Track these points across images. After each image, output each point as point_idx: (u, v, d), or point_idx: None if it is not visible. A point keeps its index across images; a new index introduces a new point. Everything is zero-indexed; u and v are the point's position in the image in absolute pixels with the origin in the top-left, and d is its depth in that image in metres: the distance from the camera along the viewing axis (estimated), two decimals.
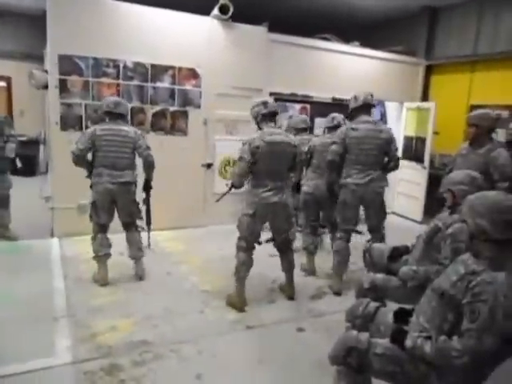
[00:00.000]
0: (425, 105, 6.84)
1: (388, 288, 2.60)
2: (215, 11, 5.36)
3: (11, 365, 2.47)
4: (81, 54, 4.80)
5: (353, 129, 3.66)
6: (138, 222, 3.85)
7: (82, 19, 4.73)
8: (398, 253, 2.81)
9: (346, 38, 6.70)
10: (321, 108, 6.44)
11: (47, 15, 4.65)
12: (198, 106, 5.47)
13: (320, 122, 6.46)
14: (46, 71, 4.99)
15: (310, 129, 5.09)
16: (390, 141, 3.70)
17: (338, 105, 6.50)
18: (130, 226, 3.79)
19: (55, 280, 3.69)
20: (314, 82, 6.21)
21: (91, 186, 3.64)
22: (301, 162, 4.09)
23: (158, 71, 5.22)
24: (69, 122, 4.81)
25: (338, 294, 3.75)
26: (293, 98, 6.25)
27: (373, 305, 2.26)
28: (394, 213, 7.23)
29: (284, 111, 6.24)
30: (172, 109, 5.34)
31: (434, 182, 5.79)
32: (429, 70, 7.23)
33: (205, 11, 5.37)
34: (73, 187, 4.47)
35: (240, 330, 3.07)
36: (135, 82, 5.12)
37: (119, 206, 3.69)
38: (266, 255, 3.90)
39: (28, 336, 2.77)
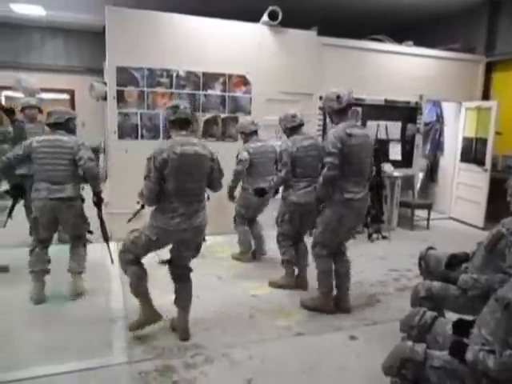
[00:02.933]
0: (486, 104, 6.47)
1: (446, 297, 2.47)
2: (265, 17, 5.41)
3: (72, 362, 2.60)
4: (136, 65, 5.03)
5: (350, 135, 3.12)
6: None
7: (137, 33, 4.96)
8: (456, 260, 2.66)
9: (399, 38, 6.50)
10: (373, 111, 6.29)
11: (106, 31, 4.92)
12: (249, 112, 5.53)
13: (371, 125, 6.32)
14: (105, 83, 5.27)
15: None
16: (373, 147, 3.39)
17: (390, 107, 6.34)
18: (75, 240, 3.55)
19: (112, 283, 3.85)
20: (366, 85, 6.08)
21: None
22: (237, 173, 4.21)
23: (209, 79, 5.34)
24: (125, 130, 5.04)
25: (332, 313, 3.40)
26: None
27: (429, 314, 2.15)
28: (451, 218, 6.90)
29: None
30: (223, 115, 5.44)
31: (496, 185, 5.45)
32: (489, 67, 6.83)
33: (254, 18, 5.43)
34: (129, 193, 4.64)
35: (290, 337, 3.04)
36: (187, 91, 5.27)
37: (61, 221, 3.43)
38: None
39: (87, 335, 2.90)
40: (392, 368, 1.86)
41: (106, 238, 3.69)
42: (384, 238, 5.66)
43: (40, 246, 3.42)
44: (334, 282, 3.45)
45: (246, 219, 4.55)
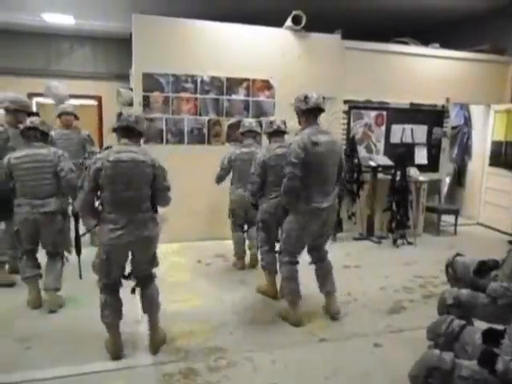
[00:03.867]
0: None
1: (475, 305, 2.41)
2: (288, 22, 5.43)
3: (98, 362, 2.66)
4: (162, 71, 5.12)
5: (315, 143, 3.01)
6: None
7: (162, 39, 5.06)
8: (485, 267, 2.60)
9: (425, 40, 6.41)
10: (398, 114, 6.21)
11: (133, 38, 5.04)
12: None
13: (396, 129, 6.24)
14: (131, 89, 5.38)
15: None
16: (341, 154, 3.27)
17: (416, 110, 6.25)
18: (52, 256, 3.48)
19: None
20: (391, 88, 6.02)
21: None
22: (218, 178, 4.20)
23: (233, 84, 5.38)
24: (151, 135, 5.12)
25: (297, 325, 3.22)
26: (368, 105, 6.09)
27: (457, 323, 2.10)
28: (479, 224, 6.73)
29: (359, 119, 6.10)
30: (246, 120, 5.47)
31: None
32: None
33: (278, 23, 5.46)
34: None
35: (314, 342, 3.02)
36: (211, 96, 5.33)
37: (42, 235, 3.39)
38: (340, 266, 3.81)
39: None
40: (419, 377, 1.82)
41: (79, 253, 3.43)
42: (409, 243, 5.56)
43: (27, 255, 3.43)
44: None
45: (240, 225, 4.46)
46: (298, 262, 3.31)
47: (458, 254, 2.93)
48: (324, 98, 3.21)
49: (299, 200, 3.08)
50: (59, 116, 5.02)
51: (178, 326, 3.11)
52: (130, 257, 2.73)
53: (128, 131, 2.65)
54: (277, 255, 3.51)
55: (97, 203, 2.65)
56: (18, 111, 3.91)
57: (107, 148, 2.63)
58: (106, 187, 2.53)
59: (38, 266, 3.48)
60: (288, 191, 3.05)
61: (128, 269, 2.80)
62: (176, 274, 4.20)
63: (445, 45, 6.37)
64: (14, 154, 3.32)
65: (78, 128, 5.13)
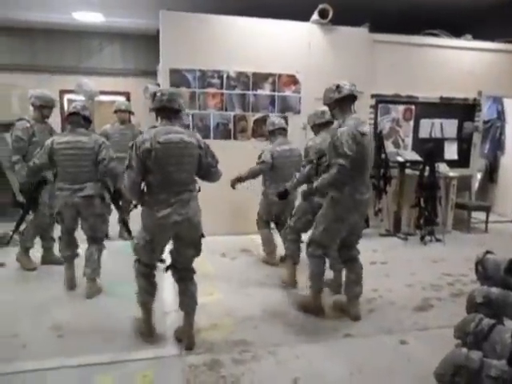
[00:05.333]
0: None
1: (506, 304, 2.34)
2: (315, 16, 5.38)
3: (125, 351, 2.73)
4: (188, 67, 5.17)
5: (362, 134, 2.91)
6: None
7: (189, 35, 5.10)
8: None
9: (457, 32, 6.22)
10: (427, 109, 6.07)
11: (160, 34, 5.11)
12: (298, 112, 5.52)
13: (425, 124, 6.10)
14: (159, 85, 5.47)
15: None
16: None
17: (446, 104, 6.09)
18: (91, 243, 3.59)
19: (164, 276, 3.96)
20: (420, 82, 5.89)
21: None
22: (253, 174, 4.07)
23: (259, 79, 5.38)
24: None
25: (317, 314, 3.25)
26: (396, 100, 5.98)
27: (487, 322, 2.06)
28: (511, 221, 6.52)
29: (386, 113, 6.00)
30: (272, 115, 5.46)
31: None
32: None
33: (304, 17, 5.41)
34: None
35: (338, 338, 3.01)
36: (237, 91, 5.35)
37: (81, 219, 3.54)
38: (366, 263, 3.76)
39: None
40: (445, 375, 1.80)
41: (130, 233, 3.78)
42: (438, 240, 5.44)
43: (66, 233, 3.60)
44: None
45: (268, 222, 4.44)
46: (328, 256, 3.30)
47: (488, 252, 2.85)
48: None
49: (343, 192, 2.98)
50: (115, 112, 5.23)
51: (203, 319, 3.15)
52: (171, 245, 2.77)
53: (164, 111, 2.65)
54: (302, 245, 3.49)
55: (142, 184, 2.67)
56: (43, 107, 4.05)
57: (152, 127, 2.61)
58: (156, 168, 2.52)
59: (76, 246, 3.65)
60: (335, 183, 2.95)
61: (167, 261, 2.83)
62: (200, 268, 4.17)
63: (477, 36, 6.17)
64: (57, 139, 3.44)
65: (133, 124, 5.43)
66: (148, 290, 2.79)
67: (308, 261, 3.30)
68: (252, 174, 4.24)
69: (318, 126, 3.70)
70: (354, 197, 3.00)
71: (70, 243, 3.62)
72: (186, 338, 2.79)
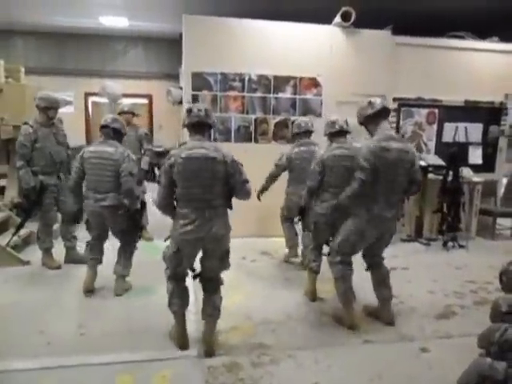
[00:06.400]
0: None
1: None
2: (337, 19, 5.36)
3: (145, 351, 2.76)
4: (210, 70, 5.22)
5: (385, 149, 2.91)
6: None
7: (211, 39, 5.16)
8: None
9: (483, 34, 6.10)
10: (451, 112, 5.96)
11: (183, 38, 5.18)
12: (319, 115, 5.51)
13: (449, 128, 5.99)
14: (181, 88, 5.53)
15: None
16: (414, 163, 3.08)
17: (470, 108, 5.98)
18: (123, 244, 3.69)
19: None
20: (444, 85, 5.80)
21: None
22: (271, 176, 4.01)
23: (280, 82, 5.40)
24: None
25: (352, 328, 3.15)
26: (419, 103, 5.90)
27: None
28: None
29: (409, 117, 5.92)
30: (293, 118, 5.45)
31: None
32: None
33: (326, 20, 5.40)
34: None
35: (357, 344, 2.98)
36: (259, 94, 5.38)
37: (109, 225, 3.62)
38: None
39: (161, 327, 3.05)
40: None
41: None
42: (461, 246, 5.34)
43: (94, 240, 3.66)
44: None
45: (291, 219, 4.40)
46: (350, 263, 3.21)
47: None
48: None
49: (361, 206, 3.01)
50: (119, 114, 5.25)
51: (222, 321, 3.14)
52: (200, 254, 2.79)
53: (199, 126, 2.69)
54: (324, 257, 3.46)
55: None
56: (48, 108, 4.04)
57: (183, 144, 2.68)
58: (178, 183, 2.59)
59: (101, 252, 3.69)
60: (354, 196, 3.00)
61: (197, 268, 2.84)
62: None
63: (504, 38, 6.04)
64: (89, 148, 3.56)
65: (137, 125, 5.33)
66: (178, 294, 2.77)
67: (330, 269, 3.27)
68: (271, 179, 4.36)
69: (331, 136, 3.69)
70: (372, 213, 2.99)
71: (95, 249, 3.66)
72: (205, 345, 2.78)
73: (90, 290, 3.60)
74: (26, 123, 4.03)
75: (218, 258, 2.75)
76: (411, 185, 3.14)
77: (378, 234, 3.11)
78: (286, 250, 4.60)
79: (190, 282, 2.90)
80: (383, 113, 3.07)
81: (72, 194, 3.74)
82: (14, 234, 4.29)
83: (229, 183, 2.65)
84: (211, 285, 2.82)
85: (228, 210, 2.75)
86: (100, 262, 3.69)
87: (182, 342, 2.80)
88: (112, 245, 3.82)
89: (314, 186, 3.54)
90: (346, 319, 3.18)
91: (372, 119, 3.06)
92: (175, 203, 2.69)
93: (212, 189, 2.60)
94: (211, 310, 2.79)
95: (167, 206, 2.70)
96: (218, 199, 2.65)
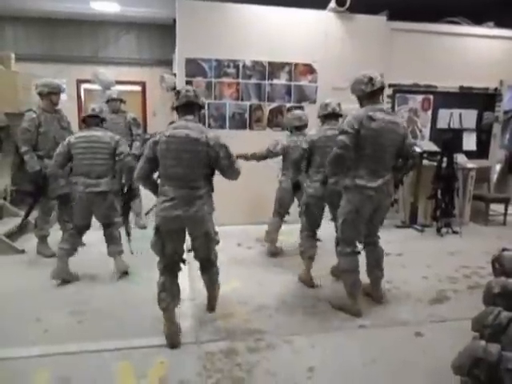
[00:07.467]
0: None
1: None
2: (332, 4, 5.31)
3: (143, 338, 2.78)
4: (205, 56, 5.16)
5: (371, 118, 2.91)
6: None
7: (205, 24, 5.09)
8: None
9: (479, 20, 6.07)
10: (446, 98, 5.96)
11: (177, 23, 5.10)
12: (314, 101, 5.48)
13: (444, 114, 6.00)
14: (175, 74, 5.47)
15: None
16: (406, 136, 3.07)
17: (465, 94, 5.98)
18: (107, 226, 3.71)
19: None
20: (439, 71, 5.78)
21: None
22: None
23: (275, 68, 5.35)
24: None
25: (357, 315, 3.16)
26: (414, 89, 5.89)
27: (505, 314, 2.03)
28: None
29: (404, 103, 5.92)
30: (288, 105, 5.44)
31: None
32: None
33: (321, 5, 5.34)
34: None
35: (352, 328, 3.02)
36: (253, 81, 5.33)
37: (95, 211, 3.62)
38: None
39: (158, 314, 3.05)
40: (462, 367, 1.79)
41: (129, 234, 3.81)
42: (455, 232, 5.39)
43: (75, 230, 3.63)
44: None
45: (280, 213, 4.37)
46: (359, 252, 3.19)
47: (504, 249, 2.80)
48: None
49: (348, 176, 3.03)
50: (107, 102, 5.20)
51: (219, 307, 3.19)
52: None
53: (188, 106, 2.71)
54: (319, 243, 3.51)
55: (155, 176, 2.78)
56: (51, 94, 4.06)
57: (171, 123, 2.72)
58: (161, 161, 2.63)
59: (77, 245, 3.66)
60: (334, 160, 2.96)
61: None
62: None
63: (499, 24, 6.02)
64: (75, 135, 3.61)
65: (125, 112, 5.31)
66: (168, 288, 2.72)
67: (338, 259, 3.27)
68: (257, 158, 4.30)
69: (324, 118, 3.72)
70: (354, 182, 2.99)
71: (71, 239, 3.62)
72: (208, 304, 3.15)
73: (60, 279, 3.56)
74: (29, 110, 4.05)
75: (203, 237, 2.80)
76: (407, 160, 3.15)
77: (372, 207, 3.07)
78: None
79: (185, 272, 2.91)
80: (380, 92, 3.08)
81: (52, 176, 3.89)
82: (23, 220, 4.35)
83: (213, 165, 2.68)
84: (205, 265, 2.99)
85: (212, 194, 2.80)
86: (72, 253, 3.63)
87: (172, 340, 2.70)
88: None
89: (297, 159, 3.67)
90: (351, 307, 3.19)
91: (369, 96, 3.03)
92: (158, 180, 2.73)
93: (193, 170, 2.63)
94: (209, 284, 3.08)
95: (146, 179, 2.76)
96: (199, 180, 2.66)
